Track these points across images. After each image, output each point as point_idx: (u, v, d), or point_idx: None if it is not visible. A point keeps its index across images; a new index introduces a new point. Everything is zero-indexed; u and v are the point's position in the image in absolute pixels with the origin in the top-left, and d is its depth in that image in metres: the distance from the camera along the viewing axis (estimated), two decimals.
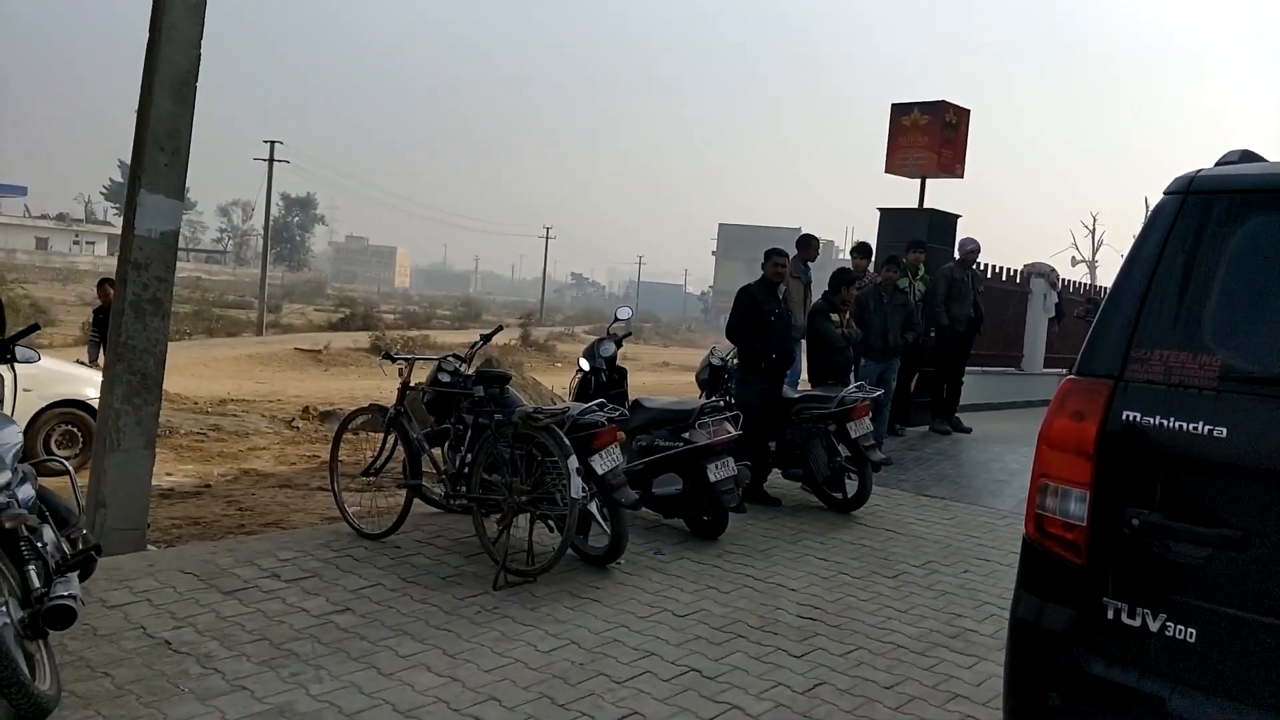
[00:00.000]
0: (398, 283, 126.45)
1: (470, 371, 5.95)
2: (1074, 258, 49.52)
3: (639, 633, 4.46)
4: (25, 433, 8.03)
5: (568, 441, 5.00)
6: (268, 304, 42.18)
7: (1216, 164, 2.58)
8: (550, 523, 5.32)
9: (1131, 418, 2.33)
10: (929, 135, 11.97)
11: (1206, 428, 2.22)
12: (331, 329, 37.78)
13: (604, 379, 7.58)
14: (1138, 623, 2.29)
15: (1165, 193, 2.50)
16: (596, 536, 5.44)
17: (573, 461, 4.91)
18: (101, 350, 10.37)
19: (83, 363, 10.73)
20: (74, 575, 3.67)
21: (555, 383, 16.68)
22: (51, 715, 3.30)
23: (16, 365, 4.63)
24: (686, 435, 6.04)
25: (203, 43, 5.45)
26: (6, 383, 4.44)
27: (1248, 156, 2.61)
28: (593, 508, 5.27)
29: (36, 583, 3.43)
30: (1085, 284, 19.27)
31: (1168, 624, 2.25)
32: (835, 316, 8.01)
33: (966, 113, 12.36)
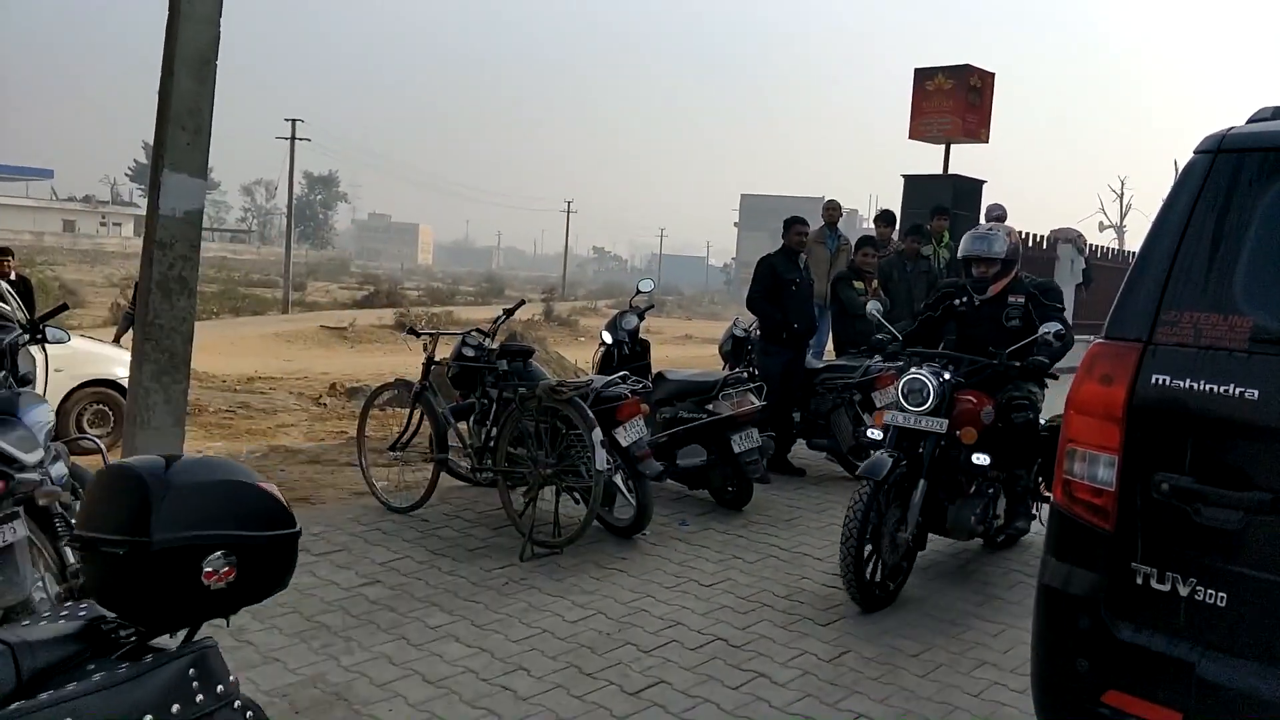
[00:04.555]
0: (420, 259, 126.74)
1: (494, 346, 5.96)
2: (1101, 223, 48.95)
3: (665, 603, 4.48)
4: (57, 412, 8.16)
5: (591, 414, 5.01)
6: (293, 282, 42.40)
7: (1248, 121, 2.52)
8: (576, 495, 5.35)
9: (1161, 381, 2.30)
10: (953, 100, 11.82)
11: (1238, 390, 2.18)
12: (356, 306, 37.89)
13: (627, 352, 7.58)
14: (1167, 588, 2.27)
15: (1195, 152, 2.45)
16: (622, 508, 5.46)
17: (597, 434, 4.93)
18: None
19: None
20: None
21: (578, 357, 16.70)
22: None
23: (47, 345, 4.68)
24: (710, 407, 6.04)
25: (223, 21, 5.45)
26: (38, 363, 4.49)
27: None
28: (617, 479, 5.29)
29: (71, 558, 3.50)
30: (1113, 249, 19.02)
31: (1198, 589, 2.23)
32: (859, 284, 7.95)
33: (991, 76, 12.19)
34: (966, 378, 4.74)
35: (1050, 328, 4.61)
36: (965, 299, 5.05)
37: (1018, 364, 4.73)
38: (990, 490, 4.84)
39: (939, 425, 4.46)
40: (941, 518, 4.69)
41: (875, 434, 4.68)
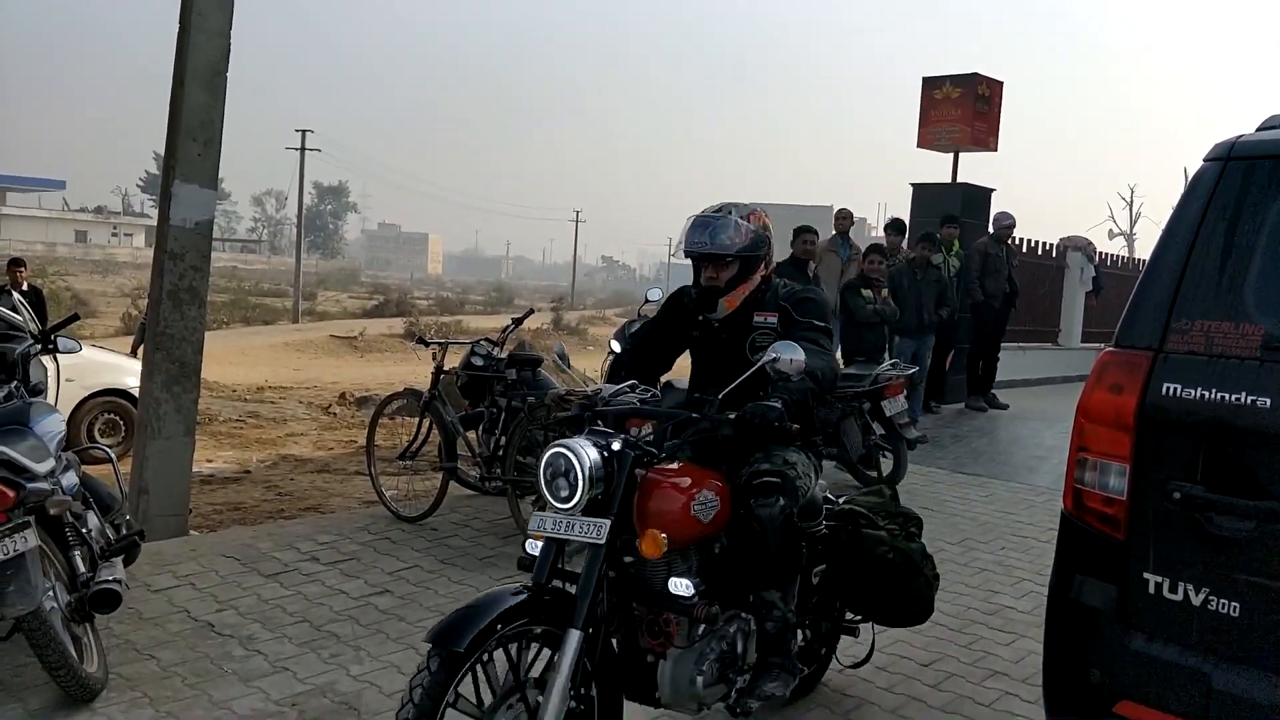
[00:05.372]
0: (430, 269, 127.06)
1: (503, 355, 5.97)
2: (1111, 230, 48.88)
3: None
4: (68, 422, 8.18)
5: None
6: (303, 292, 42.57)
7: (1259, 129, 2.51)
8: None
9: (1172, 390, 2.28)
10: (961, 108, 11.81)
11: (1250, 398, 2.17)
12: (366, 316, 38.06)
13: None
14: (1179, 597, 2.26)
15: (1205, 159, 2.44)
16: None
17: None
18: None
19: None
20: (118, 560, 3.74)
21: (587, 365, 16.72)
22: (99, 697, 3.38)
23: (58, 355, 4.71)
24: None
25: (233, 32, 5.49)
26: (49, 373, 4.51)
27: None
28: None
29: (82, 567, 3.52)
30: (1123, 257, 18.96)
31: (1211, 598, 2.21)
32: (867, 292, 7.95)
33: (1000, 85, 12.19)
34: (658, 443, 2.87)
35: (782, 353, 2.81)
36: (699, 318, 3.37)
37: (731, 415, 2.87)
38: (733, 629, 2.97)
39: (594, 531, 2.62)
40: (647, 681, 2.89)
41: (534, 549, 2.75)
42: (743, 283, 3.25)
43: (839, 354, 8.77)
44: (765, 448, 3.07)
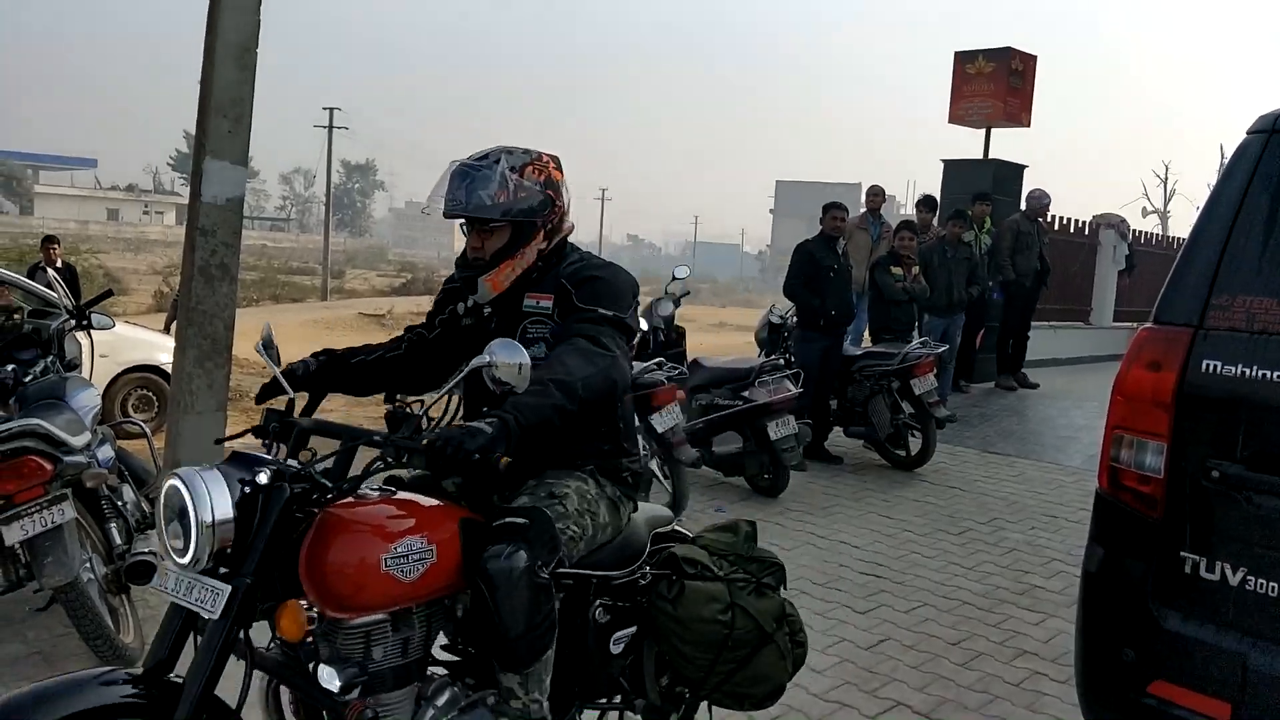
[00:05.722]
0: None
1: None
2: (1145, 208, 48.13)
3: None
4: (102, 397, 8.29)
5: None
6: (331, 270, 42.84)
7: None
8: None
9: (1212, 367, 2.25)
10: (994, 83, 11.64)
11: None
12: (394, 294, 38.23)
13: (662, 338, 7.56)
14: (1216, 576, 2.23)
15: (1248, 132, 2.39)
16: (657, 495, 5.45)
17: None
18: None
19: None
20: (153, 533, 3.79)
21: None
22: (135, 666, 3.44)
23: (92, 331, 4.76)
24: (746, 393, 6.03)
25: (262, 8, 5.49)
26: (83, 348, 4.57)
27: None
28: (653, 466, 5.29)
29: (118, 539, 3.58)
30: (1157, 235, 18.70)
31: (1248, 578, 2.19)
32: (897, 269, 7.88)
33: (1033, 59, 11.99)
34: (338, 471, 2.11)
35: (498, 355, 2.03)
36: (468, 304, 2.61)
37: (435, 442, 1.99)
38: (473, 717, 2.12)
39: (209, 600, 1.87)
40: None
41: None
42: (510, 257, 2.41)
43: (866, 332, 8.72)
44: (538, 473, 2.34)
